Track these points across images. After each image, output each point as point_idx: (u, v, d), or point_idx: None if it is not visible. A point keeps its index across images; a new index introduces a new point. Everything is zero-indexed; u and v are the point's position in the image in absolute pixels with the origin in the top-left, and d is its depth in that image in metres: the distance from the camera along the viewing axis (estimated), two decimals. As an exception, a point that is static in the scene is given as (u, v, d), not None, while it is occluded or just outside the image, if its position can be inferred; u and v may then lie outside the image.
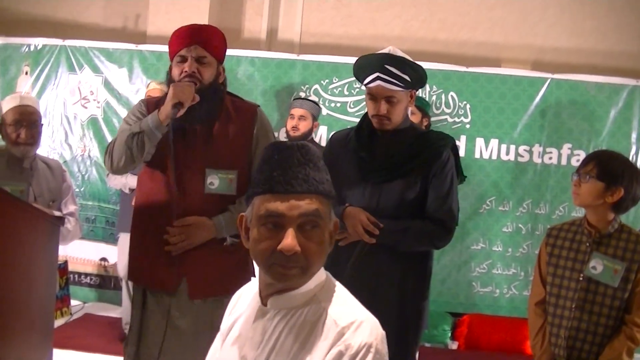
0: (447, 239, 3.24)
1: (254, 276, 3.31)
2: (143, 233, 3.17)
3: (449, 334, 5.82)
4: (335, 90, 5.89)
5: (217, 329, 3.07)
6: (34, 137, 3.91)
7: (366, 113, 3.29)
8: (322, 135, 5.89)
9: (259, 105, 3.30)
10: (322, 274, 1.80)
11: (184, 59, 3.06)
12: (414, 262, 3.21)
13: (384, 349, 1.69)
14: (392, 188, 3.15)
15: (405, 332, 3.17)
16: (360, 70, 3.23)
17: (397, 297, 3.15)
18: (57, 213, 3.82)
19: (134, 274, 3.25)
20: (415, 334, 3.27)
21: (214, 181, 3.10)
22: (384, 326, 1.73)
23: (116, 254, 5.79)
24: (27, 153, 3.91)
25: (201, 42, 3.07)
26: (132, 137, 2.99)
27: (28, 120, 3.88)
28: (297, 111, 5.30)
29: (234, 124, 3.17)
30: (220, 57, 3.18)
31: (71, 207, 4.08)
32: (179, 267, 3.10)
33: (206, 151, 3.11)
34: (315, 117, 5.36)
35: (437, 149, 3.21)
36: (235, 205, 3.13)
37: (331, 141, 3.50)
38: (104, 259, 6.27)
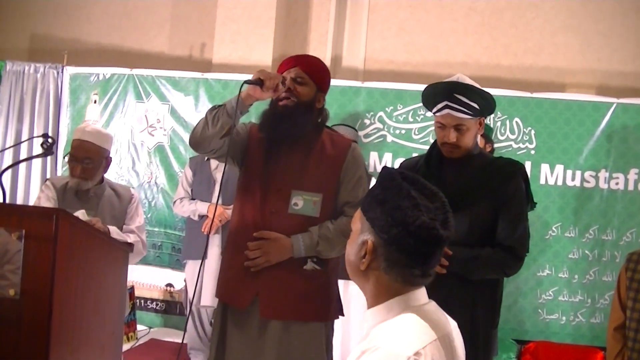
0: (518, 267, 3.20)
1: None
2: (230, 250, 3.27)
3: (515, 362, 5.74)
4: (399, 117, 5.83)
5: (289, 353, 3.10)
6: (86, 173, 3.96)
7: (436, 140, 3.29)
8: (386, 163, 5.88)
9: (355, 141, 3.34)
10: (399, 303, 1.82)
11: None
12: (485, 289, 3.18)
13: None
14: (462, 215, 3.07)
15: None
16: (429, 98, 3.24)
17: (468, 324, 3.07)
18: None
19: (219, 290, 3.33)
20: (485, 362, 3.23)
21: (299, 202, 3.14)
22: None
23: (181, 280, 5.88)
24: (81, 186, 3.98)
25: (301, 65, 3.21)
26: (213, 109, 3.11)
27: (83, 156, 3.96)
28: None
29: (328, 153, 3.23)
30: (319, 83, 3.26)
31: (136, 222, 4.14)
32: (253, 284, 3.14)
33: (295, 172, 3.17)
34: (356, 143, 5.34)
35: (507, 175, 3.19)
36: (317, 227, 3.15)
37: (400, 169, 3.50)
38: (169, 285, 6.35)
